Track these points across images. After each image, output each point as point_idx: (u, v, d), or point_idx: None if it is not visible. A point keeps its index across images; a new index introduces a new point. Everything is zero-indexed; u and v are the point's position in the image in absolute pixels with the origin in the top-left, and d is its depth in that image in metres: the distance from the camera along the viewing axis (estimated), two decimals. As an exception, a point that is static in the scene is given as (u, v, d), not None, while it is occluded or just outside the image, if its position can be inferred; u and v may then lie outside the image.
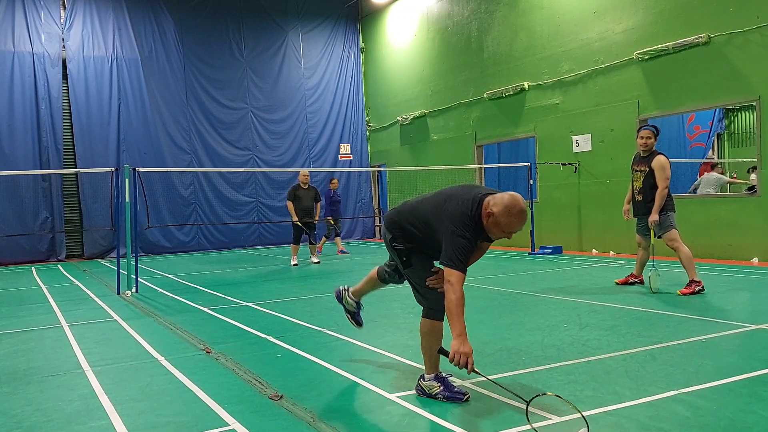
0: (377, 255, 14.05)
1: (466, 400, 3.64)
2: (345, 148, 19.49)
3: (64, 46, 15.79)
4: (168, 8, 17.08)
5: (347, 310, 4.67)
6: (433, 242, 3.74)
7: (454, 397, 3.66)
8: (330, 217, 14.57)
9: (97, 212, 15.77)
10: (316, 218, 12.40)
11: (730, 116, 17.18)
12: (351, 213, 19.19)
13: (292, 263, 12.10)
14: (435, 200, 3.78)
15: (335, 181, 15.19)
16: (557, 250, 12.52)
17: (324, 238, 14.78)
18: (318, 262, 12.34)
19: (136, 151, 16.32)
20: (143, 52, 16.68)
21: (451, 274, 3.48)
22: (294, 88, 18.78)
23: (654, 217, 7.12)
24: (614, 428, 3.19)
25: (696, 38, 10.54)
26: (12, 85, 15.22)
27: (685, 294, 6.95)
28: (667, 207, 7.19)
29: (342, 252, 14.50)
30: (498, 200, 3.50)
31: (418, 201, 3.93)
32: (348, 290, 4.64)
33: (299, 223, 12.00)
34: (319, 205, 12.48)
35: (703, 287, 7.08)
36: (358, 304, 4.64)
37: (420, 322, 3.83)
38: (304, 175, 12.33)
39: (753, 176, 12.24)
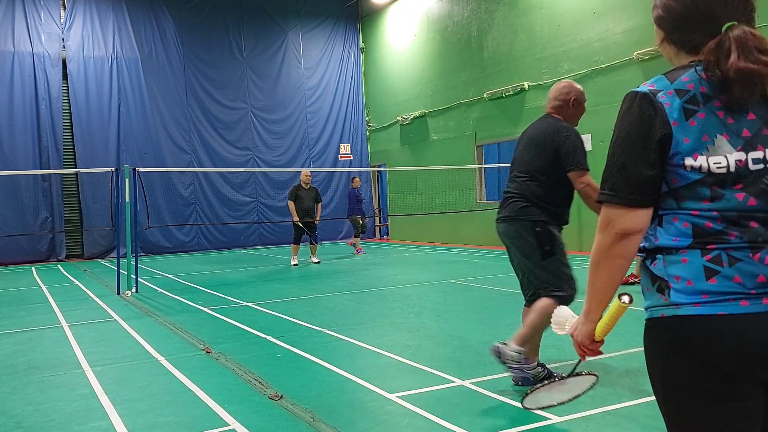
0: (377, 255, 14.05)
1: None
2: (345, 148, 19.49)
3: (64, 46, 15.79)
4: (168, 8, 17.08)
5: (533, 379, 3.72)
6: (562, 192, 3.79)
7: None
8: (358, 216, 14.48)
9: (97, 212, 15.76)
10: (317, 218, 12.40)
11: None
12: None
13: (293, 263, 12.10)
14: (529, 155, 3.94)
15: (357, 179, 14.86)
16: (557, 250, 12.50)
17: (357, 238, 14.72)
18: (318, 262, 12.34)
19: (136, 151, 16.31)
20: (143, 52, 16.68)
21: (584, 177, 3.69)
22: (294, 88, 18.77)
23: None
24: (614, 428, 3.19)
25: (696, 38, 10.53)
26: (12, 85, 15.22)
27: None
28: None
29: (357, 249, 14.38)
30: (566, 90, 3.93)
31: (512, 179, 3.99)
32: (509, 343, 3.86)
33: (300, 223, 11.99)
34: (320, 205, 12.46)
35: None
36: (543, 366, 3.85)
37: (544, 301, 3.72)
38: (306, 175, 12.32)
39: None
